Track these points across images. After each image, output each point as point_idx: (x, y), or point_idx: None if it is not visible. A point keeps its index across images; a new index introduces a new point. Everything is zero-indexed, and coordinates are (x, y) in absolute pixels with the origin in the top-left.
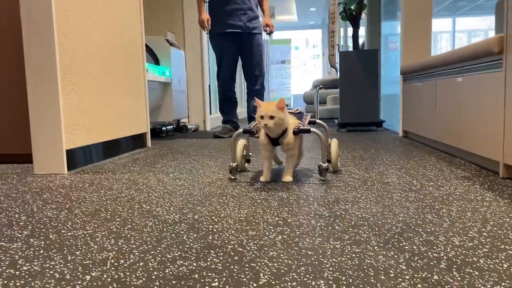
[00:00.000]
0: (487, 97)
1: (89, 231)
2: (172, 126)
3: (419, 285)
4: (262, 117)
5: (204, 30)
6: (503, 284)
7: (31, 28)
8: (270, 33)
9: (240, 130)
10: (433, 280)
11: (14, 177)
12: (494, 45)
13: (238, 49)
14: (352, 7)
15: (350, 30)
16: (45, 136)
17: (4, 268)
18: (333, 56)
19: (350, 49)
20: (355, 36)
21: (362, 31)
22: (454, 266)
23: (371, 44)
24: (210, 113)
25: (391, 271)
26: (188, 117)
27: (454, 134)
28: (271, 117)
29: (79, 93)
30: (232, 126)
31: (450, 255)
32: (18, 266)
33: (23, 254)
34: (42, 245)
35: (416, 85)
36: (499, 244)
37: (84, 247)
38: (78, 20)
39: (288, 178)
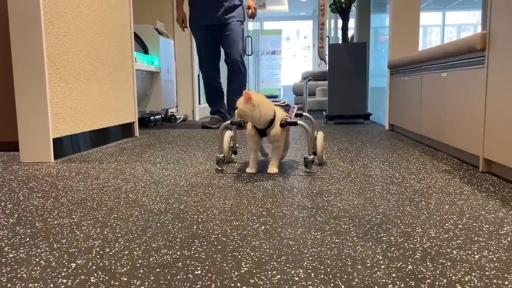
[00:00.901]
0: (469, 92)
1: (75, 220)
2: (160, 116)
3: (394, 275)
4: None
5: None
6: (473, 274)
7: (18, 16)
8: (251, 16)
9: (228, 122)
10: (407, 270)
11: (0, 165)
12: (477, 42)
13: (217, 40)
14: None
15: (340, 22)
16: (31, 124)
17: None
18: (323, 48)
19: (341, 40)
20: (345, 29)
21: (352, 23)
22: (428, 257)
23: (361, 37)
24: (199, 103)
25: (367, 261)
26: (177, 107)
27: (437, 128)
28: (236, 108)
29: (67, 81)
30: (220, 116)
31: (425, 246)
32: (4, 254)
33: (9, 242)
34: (28, 233)
35: (402, 79)
36: (473, 236)
37: (70, 235)
38: (66, 9)
39: (273, 169)
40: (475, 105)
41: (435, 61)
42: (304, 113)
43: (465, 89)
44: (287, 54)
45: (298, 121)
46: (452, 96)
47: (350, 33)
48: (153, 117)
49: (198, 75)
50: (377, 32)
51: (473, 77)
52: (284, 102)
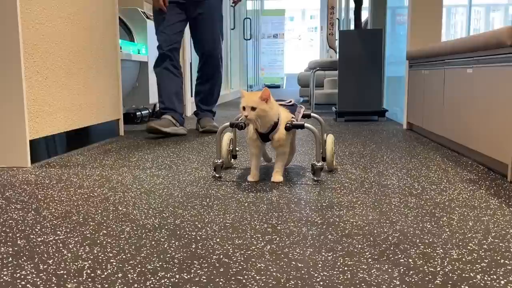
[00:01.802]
0: (498, 92)
1: (60, 237)
2: (147, 111)
3: None
4: (244, 108)
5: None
6: None
7: None
8: (234, 3)
9: (226, 124)
10: None
11: None
12: (507, 37)
13: (187, 20)
14: None
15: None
16: (6, 125)
17: None
18: (332, 35)
19: (353, 25)
20: (358, 13)
21: (366, 2)
22: (450, 282)
23: (376, 21)
24: (191, 95)
25: (384, 286)
26: None
27: (461, 131)
28: (253, 108)
29: (45, 75)
30: (175, 118)
31: (447, 270)
32: None
33: None
34: (11, 252)
35: (423, 73)
36: (498, 258)
37: (56, 254)
38: None
39: (278, 178)
40: (504, 106)
41: (459, 55)
42: (312, 114)
43: (494, 88)
44: (291, 37)
45: (305, 124)
46: (478, 95)
47: (364, 16)
48: (139, 113)
49: (190, 63)
50: (395, 13)
51: (502, 75)
52: (290, 102)
